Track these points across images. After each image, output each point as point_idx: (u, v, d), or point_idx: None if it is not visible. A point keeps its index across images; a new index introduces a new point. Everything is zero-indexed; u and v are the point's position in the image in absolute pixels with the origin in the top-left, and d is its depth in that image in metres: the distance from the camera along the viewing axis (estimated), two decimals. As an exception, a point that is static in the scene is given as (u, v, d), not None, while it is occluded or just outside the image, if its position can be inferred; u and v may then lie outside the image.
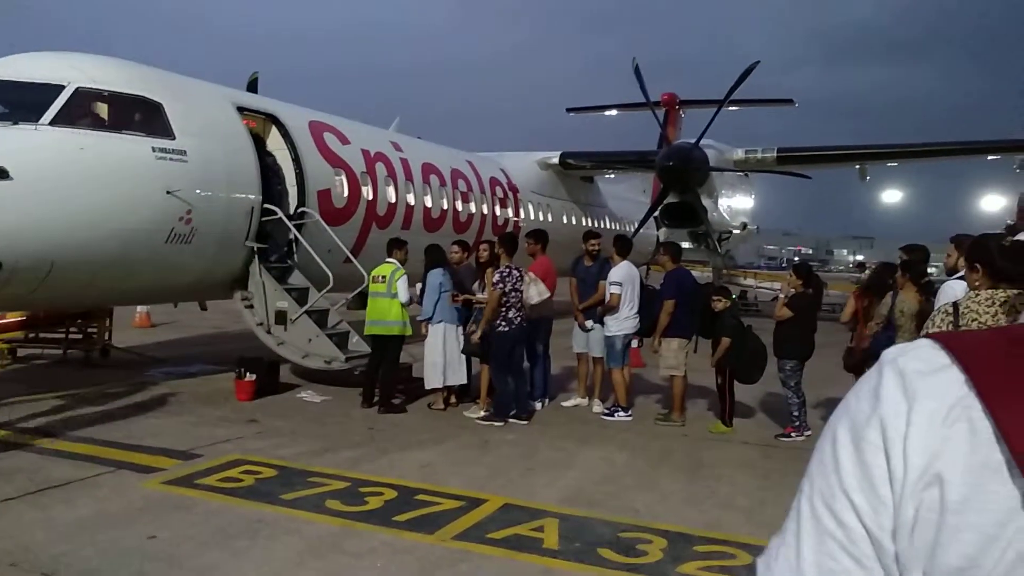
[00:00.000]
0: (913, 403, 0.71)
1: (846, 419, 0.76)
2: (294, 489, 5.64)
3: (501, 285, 8.11)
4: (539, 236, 9.35)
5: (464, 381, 8.88)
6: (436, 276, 8.64)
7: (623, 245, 8.86)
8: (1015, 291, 3.57)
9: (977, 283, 3.70)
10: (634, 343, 10.83)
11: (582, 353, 9.06)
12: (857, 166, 20.50)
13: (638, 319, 8.54)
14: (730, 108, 26.51)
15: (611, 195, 24.37)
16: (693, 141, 17.15)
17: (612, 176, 23.95)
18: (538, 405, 8.84)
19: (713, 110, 17.56)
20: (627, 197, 24.77)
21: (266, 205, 9.91)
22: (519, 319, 8.17)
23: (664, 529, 5.09)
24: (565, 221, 20.28)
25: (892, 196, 39.72)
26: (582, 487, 5.99)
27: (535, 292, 8.07)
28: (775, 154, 19.35)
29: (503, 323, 8.15)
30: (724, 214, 21.79)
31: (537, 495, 5.74)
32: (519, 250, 8.99)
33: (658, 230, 21.22)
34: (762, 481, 6.24)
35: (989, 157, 19.93)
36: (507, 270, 8.23)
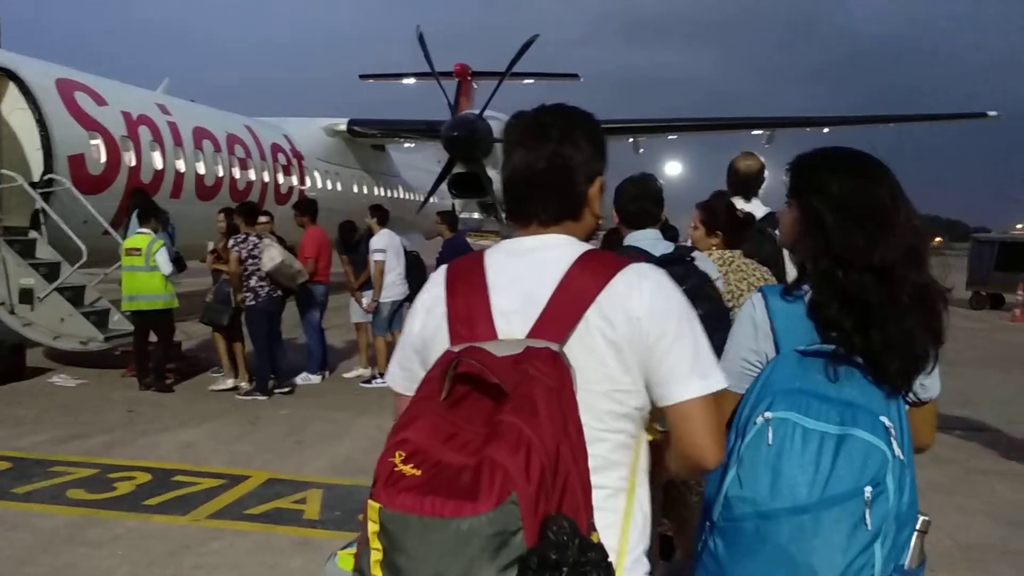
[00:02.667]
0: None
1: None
2: (30, 481, 5.17)
3: (237, 250, 7.85)
4: (306, 206, 9.10)
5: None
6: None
7: (381, 214, 8.85)
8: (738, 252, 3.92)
9: (715, 245, 3.98)
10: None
11: (361, 323, 9.00)
12: (631, 139, 21.76)
13: (406, 285, 8.60)
14: (523, 81, 27.29)
15: (406, 165, 24.21)
16: (477, 112, 17.39)
17: (411, 146, 23.81)
18: (317, 378, 8.69)
19: (506, 83, 17.89)
20: (422, 167, 24.72)
21: (2, 171, 8.89)
22: (266, 289, 7.94)
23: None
24: (355, 190, 19.93)
25: (673, 168, 42.76)
26: (352, 456, 5.98)
27: (267, 258, 7.81)
28: (557, 126, 20.03)
29: (249, 294, 7.90)
30: (511, 184, 22.34)
31: (304, 468, 5.67)
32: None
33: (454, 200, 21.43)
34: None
35: (753, 132, 21.72)
36: (242, 236, 7.94)
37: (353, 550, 1.28)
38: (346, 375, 9.04)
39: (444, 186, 19.12)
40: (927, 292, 1.59)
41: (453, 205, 22.06)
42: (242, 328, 8.20)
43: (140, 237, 8.20)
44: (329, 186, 18.73)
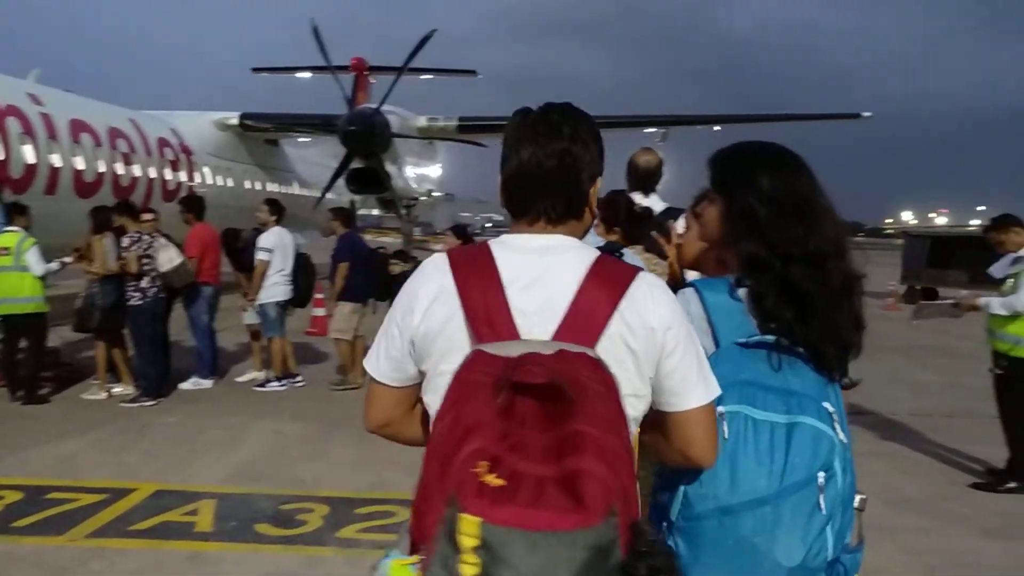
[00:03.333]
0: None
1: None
2: None
3: (134, 249, 7.45)
4: (192, 203, 8.70)
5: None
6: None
7: (276, 208, 8.54)
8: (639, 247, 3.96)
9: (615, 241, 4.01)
10: (319, 311, 10.68)
11: (253, 325, 8.68)
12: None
13: (291, 286, 8.35)
14: (421, 76, 27.03)
15: (302, 160, 23.58)
16: (375, 107, 17.11)
17: (307, 141, 23.20)
18: (208, 383, 8.33)
19: (404, 78, 17.67)
20: (319, 162, 24.11)
21: None
22: (153, 289, 7.56)
23: (328, 496, 5.05)
24: (248, 186, 19.27)
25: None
26: (247, 463, 5.74)
27: (165, 259, 7.47)
28: (456, 122, 20.01)
29: (137, 294, 7.51)
30: (411, 181, 22.14)
31: (196, 477, 5.39)
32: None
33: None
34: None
35: (646, 130, 22.23)
36: (136, 235, 7.55)
37: (407, 559, 1.24)
38: (239, 379, 8.69)
39: (342, 182, 18.74)
40: (852, 279, 1.66)
41: (352, 201, 21.69)
42: (123, 331, 7.77)
43: (8, 235, 7.63)
44: (220, 182, 18.04)
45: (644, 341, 1.39)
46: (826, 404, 1.55)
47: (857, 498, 1.57)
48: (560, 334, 1.35)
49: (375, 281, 8.45)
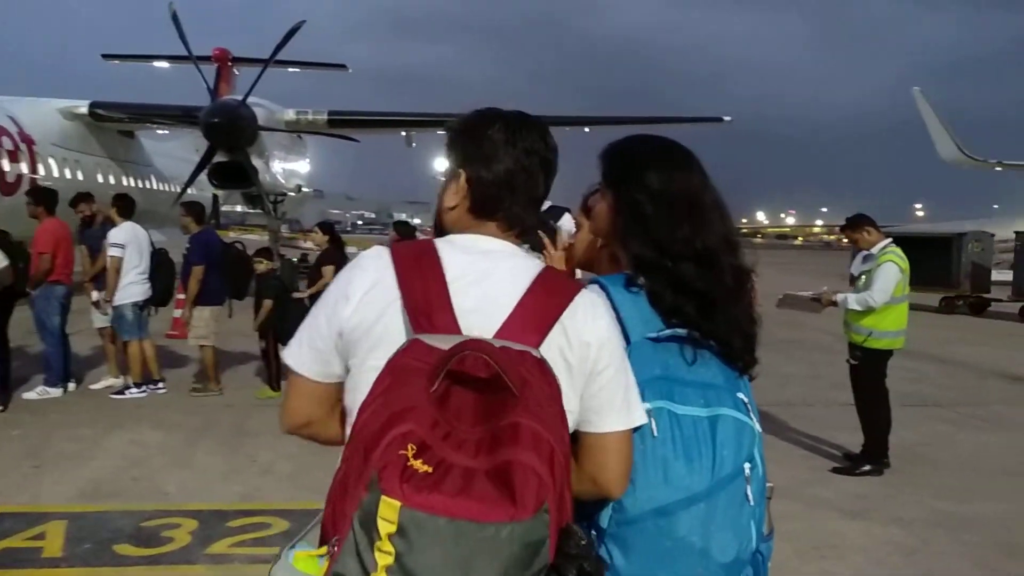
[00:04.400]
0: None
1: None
2: None
3: None
4: (41, 195, 7.99)
5: None
6: None
7: (124, 204, 8.00)
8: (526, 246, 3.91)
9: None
10: (177, 312, 10.06)
11: (104, 328, 8.08)
12: (403, 132, 21.65)
13: (148, 285, 7.83)
14: (289, 69, 26.12)
15: (161, 153, 22.28)
16: (240, 98, 16.37)
17: (166, 133, 21.93)
18: (57, 391, 7.66)
19: (271, 71, 17.00)
20: (180, 156, 22.84)
21: None
22: None
23: (196, 509, 4.73)
24: (100, 180, 17.98)
25: (443, 164, 43.36)
26: (103, 478, 5.30)
27: None
28: (326, 116, 19.47)
29: None
30: (278, 176, 21.35)
31: (43, 496, 4.93)
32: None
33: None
34: (307, 443, 6.19)
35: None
36: None
37: (314, 551, 1.15)
38: (94, 386, 8.06)
39: (204, 177, 17.83)
40: (743, 275, 1.65)
41: (215, 197, 20.69)
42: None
43: None
44: (68, 175, 16.72)
45: (579, 356, 1.35)
46: (740, 395, 1.55)
47: (767, 486, 1.57)
48: (502, 333, 1.28)
49: (230, 280, 8.04)
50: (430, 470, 1.04)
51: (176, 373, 8.62)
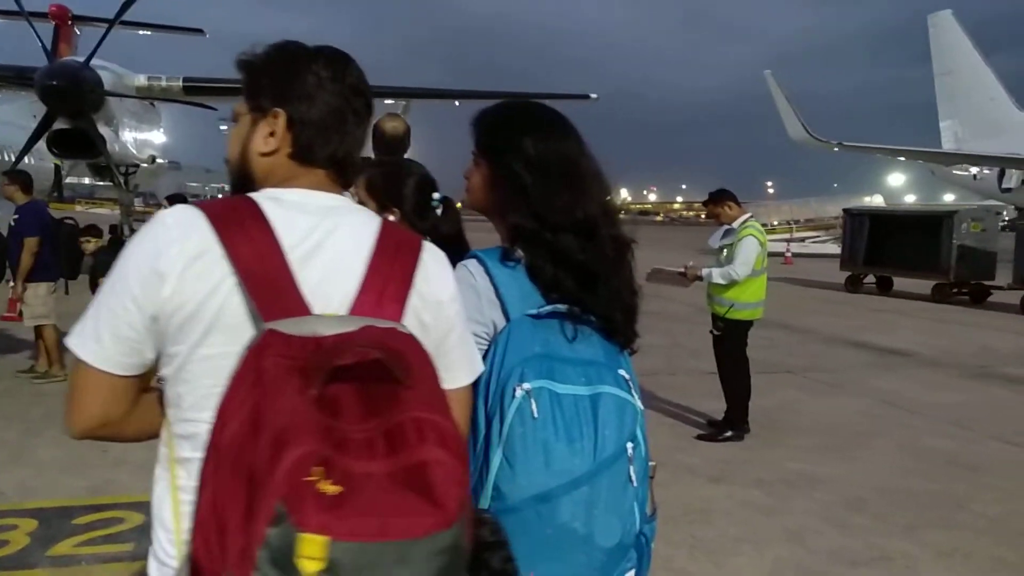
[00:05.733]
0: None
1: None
2: None
3: None
4: None
5: None
6: None
7: None
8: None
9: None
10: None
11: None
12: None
13: None
14: (140, 32, 24.38)
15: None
16: (82, 60, 15.12)
17: (-1, 95, 19.99)
18: None
19: (120, 32, 15.77)
20: (13, 122, 20.89)
21: None
22: None
23: (35, 508, 4.34)
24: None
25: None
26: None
27: None
28: (181, 83, 18.34)
29: None
30: (129, 146, 19.95)
31: None
32: None
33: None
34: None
35: (387, 101, 21.87)
36: None
37: None
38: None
39: (43, 145, 16.41)
40: (624, 245, 1.62)
41: (57, 167, 19.13)
42: None
43: None
44: None
45: (433, 315, 1.26)
46: (621, 371, 1.51)
47: (650, 465, 1.54)
48: (360, 307, 1.15)
49: (63, 258, 7.47)
50: (341, 489, 0.92)
51: (14, 359, 7.91)
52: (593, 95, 24.04)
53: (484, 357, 1.46)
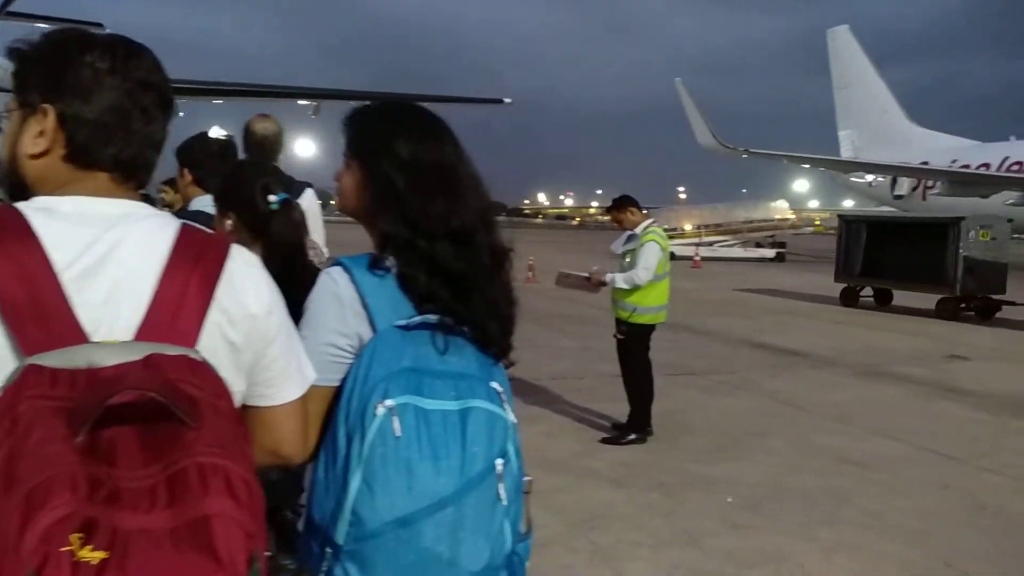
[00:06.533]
0: None
1: None
2: None
3: None
4: None
5: None
6: None
7: None
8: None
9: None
10: None
11: None
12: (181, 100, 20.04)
13: None
14: (35, 25, 23.12)
15: None
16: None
17: None
18: None
19: (4, 24, 14.90)
20: None
21: None
22: None
23: None
24: None
25: (217, 134, 40.79)
26: None
27: None
28: None
29: None
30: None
31: None
32: None
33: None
34: None
35: (299, 102, 21.50)
36: None
37: None
38: None
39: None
40: (501, 253, 1.56)
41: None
42: None
43: None
44: None
45: (245, 331, 1.13)
46: (494, 384, 1.45)
47: (524, 480, 1.49)
48: (145, 332, 1.02)
49: None
50: (106, 555, 0.81)
51: None
52: (507, 99, 24.18)
53: (348, 372, 1.39)
